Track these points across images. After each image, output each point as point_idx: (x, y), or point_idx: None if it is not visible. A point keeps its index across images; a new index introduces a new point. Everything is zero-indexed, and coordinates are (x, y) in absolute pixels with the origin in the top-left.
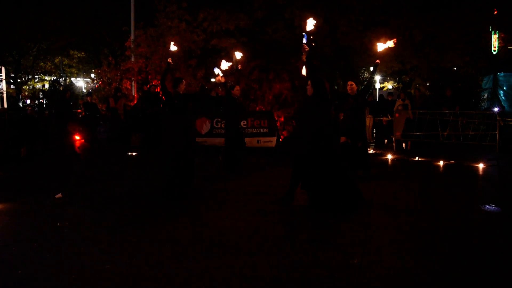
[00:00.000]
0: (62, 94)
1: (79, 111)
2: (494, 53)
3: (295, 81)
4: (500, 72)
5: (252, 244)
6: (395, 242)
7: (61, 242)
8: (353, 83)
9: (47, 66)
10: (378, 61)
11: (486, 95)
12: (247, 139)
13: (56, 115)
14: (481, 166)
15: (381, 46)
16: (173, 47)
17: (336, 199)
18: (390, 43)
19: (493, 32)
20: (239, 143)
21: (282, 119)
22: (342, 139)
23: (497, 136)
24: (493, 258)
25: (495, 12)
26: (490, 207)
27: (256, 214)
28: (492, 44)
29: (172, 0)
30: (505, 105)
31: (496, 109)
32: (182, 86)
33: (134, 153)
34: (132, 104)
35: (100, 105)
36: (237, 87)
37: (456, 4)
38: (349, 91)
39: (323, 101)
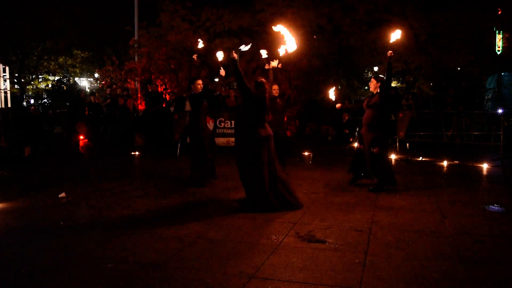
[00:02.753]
0: (77, 94)
1: None
2: (498, 53)
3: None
4: (504, 72)
5: (257, 245)
6: (398, 242)
7: (64, 241)
8: (373, 79)
9: (51, 66)
10: (390, 52)
11: (490, 95)
12: None
13: (69, 115)
14: (485, 166)
15: (393, 37)
16: (220, 56)
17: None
18: (398, 34)
19: (497, 32)
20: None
21: (285, 118)
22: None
23: (501, 136)
24: (497, 259)
25: (499, 12)
26: (494, 207)
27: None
28: (496, 44)
29: (176, 0)
30: (510, 105)
31: (500, 111)
32: (198, 86)
33: (137, 153)
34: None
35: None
36: (275, 86)
37: (460, 4)
38: (372, 89)
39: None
